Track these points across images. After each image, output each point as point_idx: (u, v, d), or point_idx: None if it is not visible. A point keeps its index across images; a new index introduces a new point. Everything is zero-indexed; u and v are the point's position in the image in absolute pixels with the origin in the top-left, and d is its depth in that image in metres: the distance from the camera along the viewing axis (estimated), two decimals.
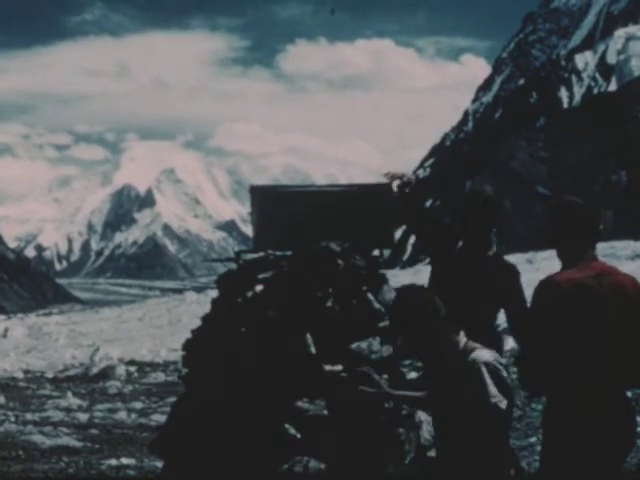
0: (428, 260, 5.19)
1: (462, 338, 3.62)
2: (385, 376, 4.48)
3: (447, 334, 3.59)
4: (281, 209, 4.99)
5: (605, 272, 3.65)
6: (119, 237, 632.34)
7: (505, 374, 3.54)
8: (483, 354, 3.54)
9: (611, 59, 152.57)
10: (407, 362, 4.91)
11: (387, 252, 5.30)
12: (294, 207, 4.97)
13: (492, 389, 3.45)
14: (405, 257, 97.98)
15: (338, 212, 4.96)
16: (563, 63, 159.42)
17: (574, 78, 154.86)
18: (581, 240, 3.71)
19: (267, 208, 5.05)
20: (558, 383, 3.60)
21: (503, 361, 3.62)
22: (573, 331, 3.56)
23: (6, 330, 28.80)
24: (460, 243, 4.72)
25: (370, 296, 4.79)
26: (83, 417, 10.53)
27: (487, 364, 3.50)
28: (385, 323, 4.74)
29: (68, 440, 8.79)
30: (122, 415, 10.68)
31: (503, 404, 3.47)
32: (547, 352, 3.60)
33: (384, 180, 4.84)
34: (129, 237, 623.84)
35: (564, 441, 3.59)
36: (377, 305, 4.77)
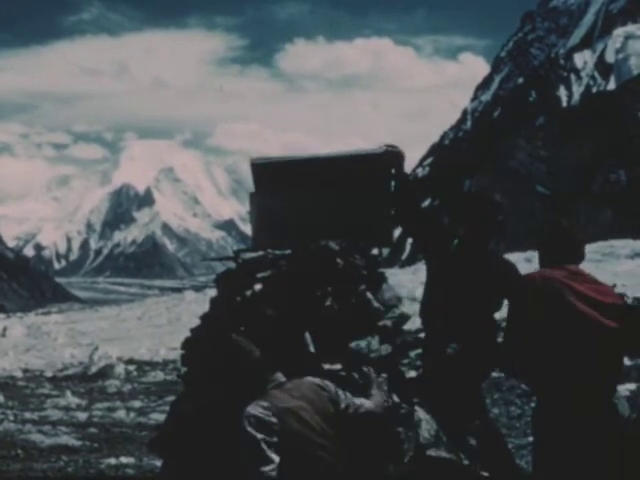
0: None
1: (275, 379, 3.89)
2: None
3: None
4: (281, 190, 4.98)
5: (580, 273, 3.73)
6: (118, 236, 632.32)
7: (253, 428, 3.61)
8: (250, 407, 3.69)
9: (610, 58, 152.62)
10: (406, 361, 4.90)
11: (386, 251, 5.29)
12: (295, 188, 4.95)
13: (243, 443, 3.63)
14: (404, 256, 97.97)
15: (337, 210, 4.95)
16: (562, 62, 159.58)
17: (573, 77, 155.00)
18: (560, 252, 3.82)
19: (266, 197, 5.05)
20: (549, 382, 3.61)
21: (266, 415, 3.65)
22: (550, 325, 3.60)
23: (5, 329, 28.79)
24: (455, 242, 4.72)
25: (369, 295, 4.79)
26: (82, 416, 10.53)
27: (246, 417, 3.66)
28: (384, 322, 4.74)
29: (67, 439, 8.79)
30: (121, 414, 10.68)
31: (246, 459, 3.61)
32: (529, 346, 3.64)
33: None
34: (128, 236, 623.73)
35: (557, 441, 3.59)
36: (376, 304, 4.77)
